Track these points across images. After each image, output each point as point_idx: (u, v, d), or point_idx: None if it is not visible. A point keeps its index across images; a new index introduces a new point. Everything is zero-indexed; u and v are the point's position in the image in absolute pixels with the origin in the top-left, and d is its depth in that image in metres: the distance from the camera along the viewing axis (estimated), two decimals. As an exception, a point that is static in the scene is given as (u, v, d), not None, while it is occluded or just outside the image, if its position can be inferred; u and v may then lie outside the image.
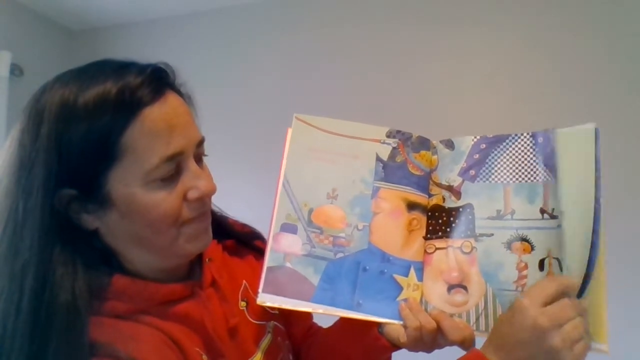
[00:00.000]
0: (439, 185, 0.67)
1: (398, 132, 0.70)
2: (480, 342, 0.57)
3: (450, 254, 0.63)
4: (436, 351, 0.62)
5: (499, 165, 0.64)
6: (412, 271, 0.64)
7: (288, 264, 0.64)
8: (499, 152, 0.65)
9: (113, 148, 0.51)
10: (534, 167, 0.62)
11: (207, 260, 0.66)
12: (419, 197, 0.67)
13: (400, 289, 0.63)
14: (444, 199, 0.66)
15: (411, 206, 0.67)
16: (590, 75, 1.68)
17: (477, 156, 0.66)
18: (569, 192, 0.60)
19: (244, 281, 0.71)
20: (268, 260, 0.65)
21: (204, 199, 0.58)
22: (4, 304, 0.50)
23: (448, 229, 0.65)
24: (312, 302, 0.63)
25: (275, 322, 0.71)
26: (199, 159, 0.59)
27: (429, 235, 0.66)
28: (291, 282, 0.63)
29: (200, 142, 0.59)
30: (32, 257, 0.51)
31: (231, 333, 0.63)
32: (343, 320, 0.71)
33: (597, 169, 0.58)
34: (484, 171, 0.65)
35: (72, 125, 0.51)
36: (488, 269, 0.60)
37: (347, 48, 2.00)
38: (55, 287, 0.51)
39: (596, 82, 1.67)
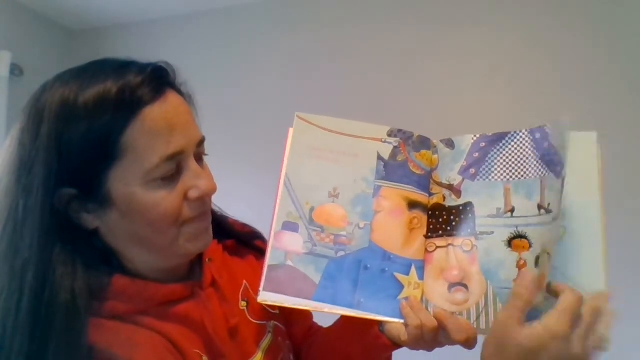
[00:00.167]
0: (440, 184, 0.68)
1: (399, 131, 0.70)
2: (481, 340, 0.57)
3: (450, 252, 0.63)
4: (436, 350, 0.62)
5: (498, 163, 0.64)
6: (413, 270, 0.64)
7: (289, 262, 0.64)
8: (498, 150, 0.65)
9: (113, 147, 0.51)
10: (533, 163, 0.62)
11: (207, 260, 0.66)
12: (419, 196, 0.68)
13: (401, 287, 0.63)
14: (444, 198, 0.67)
15: (412, 205, 0.67)
16: (590, 75, 1.68)
17: (477, 155, 0.66)
18: (574, 198, 0.60)
19: (245, 281, 0.71)
20: (269, 259, 0.65)
21: (205, 199, 0.58)
22: (3, 303, 0.50)
23: (448, 228, 0.65)
24: (313, 300, 0.63)
25: (275, 322, 0.71)
26: (199, 158, 0.59)
27: (429, 234, 0.66)
28: (292, 281, 0.63)
29: (201, 142, 0.59)
30: (32, 256, 0.51)
31: (231, 333, 0.63)
32: (344, 319, 0.71)
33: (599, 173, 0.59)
34: (484, 169, 0.65)
35: (72, 125, 0.51)
36: (489, 267, 0.60)
37: (347, 48, 2.00)
38: (55, 286, 0.51)
39: (596, 82, 1.67)
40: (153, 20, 2.33)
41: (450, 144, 0.68)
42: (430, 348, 0.61)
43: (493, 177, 0.64)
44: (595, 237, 0.58)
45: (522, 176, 0.62)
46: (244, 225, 0.78)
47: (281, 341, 0.71)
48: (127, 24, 2.37)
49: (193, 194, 0.56)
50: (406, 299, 0.62)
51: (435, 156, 0.69)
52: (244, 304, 0.68)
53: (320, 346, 0.77)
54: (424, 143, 0.70)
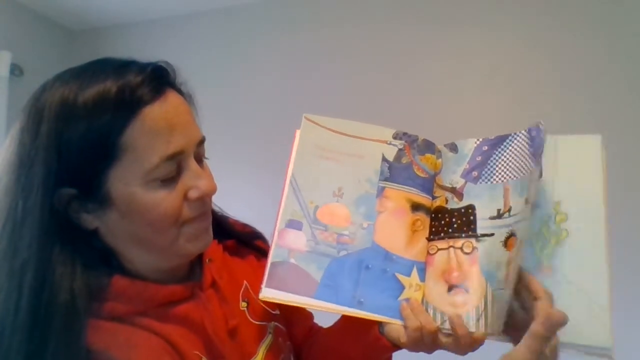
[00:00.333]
0: (443, 187, 0.68)
1: (404, 134, 0.70)
2: (488, 343, 0.57)
3: (451, 254, 0.63)
4: (437, 351, 0.62)
5: (500, 165, 0.64)
6: (415, 271, 0.64)
7: (292, 260, 0.65)
8: (499, 152, 0.65)
9: (113, 147, 0.51)
10: (527, 161, 0.62)
11: (207, 260, 0.66)
12: (423, 199, 0.68)
13: (402, 288, 0.63)
14: (446, 201, 0.67)
15: (415, 207, 0.67)
16: (590, 75, 1.68)
17: (479, 158, 0.66)
18: (577, 201, 0.60)
19: (245, 281, 0.71)
20: (272, 256, 0.65)
21: (205, 199, 0.58)
22: (2, 304, 0.50)
23: (450, 230, 0.65)
24: (314, 299, 0.63)
25: (276, 323, 0.71)
26: (199, 158, 0.59)
27: (431, 237, 0.66)
28: (294, 278, 0.64)
29: (201, 142, 0.58)
30: (31, 256, 0.51)
31: (231, 334, 0.63)
32: (344, 320, 0.71)
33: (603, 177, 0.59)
34: (486, 172, 0.65)
35: (71, 124, 0.51)
36: (489, 269, 0.60)
37: (347, 48, 2.00)
38: (54, 286, 0.51)
39: (596, 82, 1.67)
40: (153, 20, 2.33)
41: (453, 148, 0.69)
42: (429, 350, 0.61)
43: (494, 179, 0.64)
44: (598, 241, 0.58)
45: (519, 175, 0.62)
46: (245, 225, 0.78)
47: (282, 342, 0.71)
48: (127, 24, 2.37)
49: (193, 194, 0.56)
50: (407, 300, 0.62)
51: (439, 160, 0.70)
52: (244, 304, 0.68)
53: (320, 347, 0.77)
54: (429, 147, 0.70)
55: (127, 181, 0.53)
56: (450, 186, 0.67)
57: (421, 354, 0.62)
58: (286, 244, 0.65)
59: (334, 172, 0.69)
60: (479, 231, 0.63)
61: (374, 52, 1.96)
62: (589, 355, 0.54)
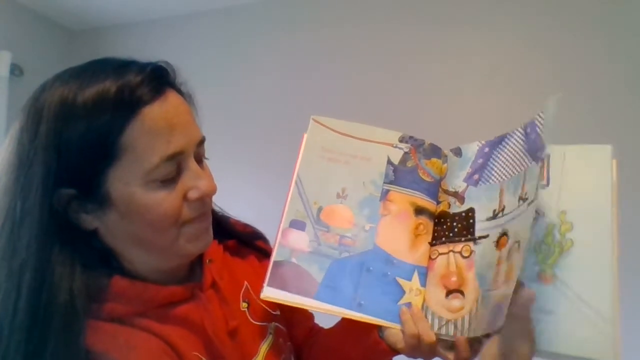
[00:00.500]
0: (447, 192, 0.68)
1: (410, 137, 0.70)
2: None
3: (451, 258, 0.63)
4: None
5: (497, 166, 0.64)
6: (416, 275, 0.64)
7: (294, 260, 0.65)
8: (497, 152, 0.65)
9: (112, 147, 0.51)
10: (522, 158, 0.61)
11: (207, 261, 0.66)
12: (427, 203, 0.68)
13: (403, 292, 0.63)
14: (449, 205, 0.67)
15: (419, 211, 0.67)
16: (590, 75, 1.68)
17: (480, 160, 0.66)
18: (584, 211, 0.59)
19: (246, 282, 0.70)
20: (275, 255, 0.65)
21: (205, 199, 0.58)
22: (1, 304, 0.50)
23: (451, 234, 0.65)
24: (314, 300, 0.63)
25: (276, 324, 0.71)
26: (199, 158, 0.59)
27: (434, 242, 0.66)
28: (295, 278, 0.64)
29: (201, 142, 0.58)
30: (30, 257, 0.50)
31: (232, 335, 0.63)
32: (345, 321, 0.70)
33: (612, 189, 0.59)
34: (485, 174, 0.65)
35: (71, 124, 0.50)
36: (481, 271, 0.60)
37: (347, 48, 2.00)
38: (53, 287, 0.50)
39: (596, 82, 1.67)
40: (153, 20, 2.33)
41: (458, 152, 0.69)
42: (427, 358, 0.60)
43: (492, 180, 0.64)
44: (605, 252, 0.57)
45: (513, 173, 0.62)
46: (246, 226, 0.78)
47: (282, 342, 0.71)
48: (127, 24, 2.37)
49: (193, 194, 0.56)
50: (407, 304, 0.62)
51: (445, 165, 0.70)
52: (245, 305, 0.68)
53: (321, 348, 0.77)
54: (435, 151, 0.70)
55: (126, 181, 0.52)
56: (453, 191, 0.67)
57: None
58: (289, 243, 0.65)
59: (338, 173, 0.69)
60: (477, 234, 0.63)
61: (374, 52, 1.96)
62: None
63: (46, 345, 0.49)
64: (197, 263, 0.66)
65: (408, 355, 0.62)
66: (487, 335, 0.55)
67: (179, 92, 0.58)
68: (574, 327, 0.54)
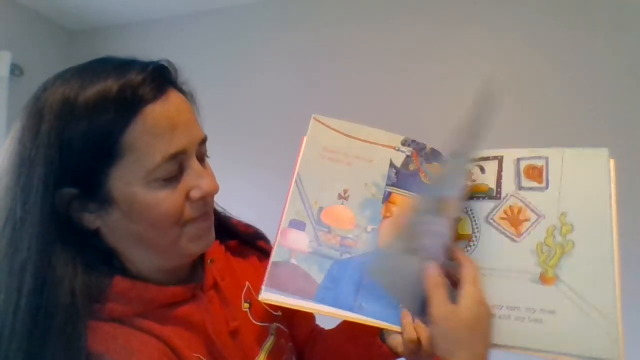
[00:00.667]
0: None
1: (413, 141, 0.70)
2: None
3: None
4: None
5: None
6: None
7: (293, 260, 0.64)
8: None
9: (114, 146, 0.51)
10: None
11: (209, 261, 0.65)
12: None
13: None
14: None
15: None
16: (590, 76, 1.68)
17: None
18: (584, 212, 0.60)
19: (247, 282, 0.70)
20: (274, 255, 0.64)
21: (207, 199, 0.58)
22: (2, 304, 0.50)
23: None
24: (313, 301, 0.62)
25: (278, 324, 0.71)
26: (201, 157, 0.58)
27: None
28: (294, 279, 0.63)
29: (203, 141, 0.58)
30: (31, 257, 0.50)
31: (233, 335, 0.63)
32: (346, 323, 0.70)
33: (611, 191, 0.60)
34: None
35: (72, 123, 0.50)
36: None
37: (347, 48, 2.00)
38: (54, 287, 0.50)
39: (596, 82, 1.67)
40: (153, 20, 2.33)
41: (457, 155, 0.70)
42: None
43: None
44: (606, 252, 0.58)
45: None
46: (248, 226, 0.78)
47: (284, 343, 0.70)
48: (127, 24, 2.37)
49: (195, 194, 0.55)
50: None
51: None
52: (246, 305, 0.68)
53: (322, 348, 0.76)
54: (436, 156, 0.70)
55: (128, 181, 0.52)
56: None
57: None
58: (288, 244, 0.65)
59: (340, 174, 0.68)
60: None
61: (374, 52, 1.95)
62: None
63: (47, 346, 0.48)
64: (199, 263, 0.66)
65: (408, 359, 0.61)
66: None
67: (181, 91, 0.58)
68: (577, 327, 0.54)
